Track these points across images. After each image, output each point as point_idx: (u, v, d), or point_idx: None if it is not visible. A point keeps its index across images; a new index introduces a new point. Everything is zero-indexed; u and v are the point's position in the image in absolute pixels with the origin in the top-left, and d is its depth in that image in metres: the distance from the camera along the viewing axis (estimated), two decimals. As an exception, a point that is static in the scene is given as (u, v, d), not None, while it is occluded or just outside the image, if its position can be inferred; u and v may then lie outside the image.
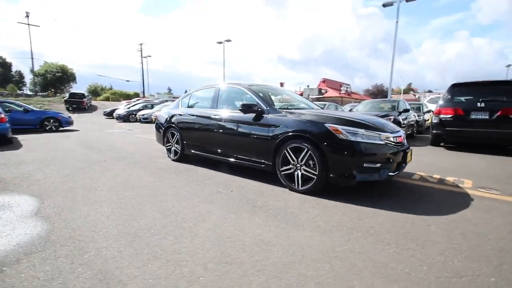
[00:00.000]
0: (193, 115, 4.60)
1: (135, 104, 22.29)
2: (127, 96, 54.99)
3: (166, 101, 27.69)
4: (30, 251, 1.87)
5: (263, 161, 3.50)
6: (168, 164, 4.81)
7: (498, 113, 5.58)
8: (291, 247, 1.94)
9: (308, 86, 37.86)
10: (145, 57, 40.72)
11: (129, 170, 4.34)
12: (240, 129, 3.77)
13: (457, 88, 6.40)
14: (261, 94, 3.79)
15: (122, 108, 22.57)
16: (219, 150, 4.13)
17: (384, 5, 15.37)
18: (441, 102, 6.51)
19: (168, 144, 5.17)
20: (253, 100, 3.72)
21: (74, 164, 4.69)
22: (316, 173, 2.96)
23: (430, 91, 64.79)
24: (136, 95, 52.99)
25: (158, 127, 5.51)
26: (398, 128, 3.40)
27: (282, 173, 3.29)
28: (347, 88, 38.28)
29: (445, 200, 2.95)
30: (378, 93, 45.89)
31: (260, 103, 3.60)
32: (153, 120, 16.14)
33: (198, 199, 2.98)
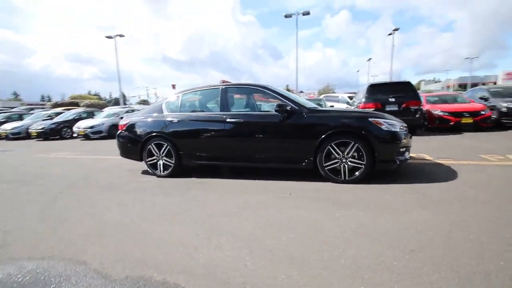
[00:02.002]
0: (197, 121, 4.01)
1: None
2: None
3: (33, 110, 21.30)
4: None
5: (304, 159, 3.54)
6: (159, 182, 3.98)
7: (403, 105, 7.66)
8: (426, 224, 2.19)
9: (208, 88, 37.94)
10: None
11: (127, 197, 3.35)
12: (273, 131, 3.64)
13: (373, 88, 8.28)
14: (285, 94, 3.78)
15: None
16: (241, 156, 3.81)
17: (286, 16, 17.58)
18: (363, 99, 8.24)
19: (151, 159, 4.24)
20: (280, 100, 3.66)
21: (30, 201, 3.16)
22: (364, 163, 3.31)
23: (301, 91, 78.27)
24: (-33, 103, 38.11)
25: (129, 139, 4.42)
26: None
27: (326, 168, 3.45)
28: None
29: (436, 170, 3.91)
30: (269, 94, 51.52)
31: (291, 103, 3.60)
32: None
33: (271, 208, 2.74)
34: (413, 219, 2.33)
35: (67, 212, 2.87)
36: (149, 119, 4.29)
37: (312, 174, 3.64)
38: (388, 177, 3.53)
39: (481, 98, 9.16)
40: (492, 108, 8.30)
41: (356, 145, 3.30)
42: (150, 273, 1.71)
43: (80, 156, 7.09)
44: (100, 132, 11.48)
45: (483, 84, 44.83)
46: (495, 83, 45.88)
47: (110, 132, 11.63)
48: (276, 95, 3.75)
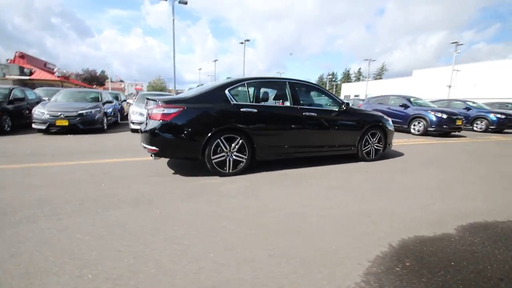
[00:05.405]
0: (275, 113, 3.95)
1: None
2: None
3: None
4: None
5: (352, 146, 4.67)
6: (240, 180, 3.56)
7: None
8: (449, 173, 4.19)
9: (-4, 60, 25.22)
10: None
11: (284, 191, 2.95)
12: (337, 125, 4.45)
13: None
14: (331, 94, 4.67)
15: None
16: (313, 147, 4.30)
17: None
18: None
19: (218, 156, 3.57)
20: (333, 99, 4.55)
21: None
22: (382, 146, 5.00)
23: (122, 80, 71.63)
24: None
25: (185, 133, 3.39)
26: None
27: (364, 151, 4.80)
28: (59, 69, 30.75)
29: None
30: (92, 79, 41.72)
31: (343, 101, 4.56)
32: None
33: (386, 183, 3.76)
34: (434, 173, 4.26)
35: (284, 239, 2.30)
36: (214, 108, 3.56)
37: (329, 158, 4.83)
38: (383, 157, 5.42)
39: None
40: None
41: (379, 134, 4.91)
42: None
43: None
44: None
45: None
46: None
47: None
48: (330, 94, 4.62)
